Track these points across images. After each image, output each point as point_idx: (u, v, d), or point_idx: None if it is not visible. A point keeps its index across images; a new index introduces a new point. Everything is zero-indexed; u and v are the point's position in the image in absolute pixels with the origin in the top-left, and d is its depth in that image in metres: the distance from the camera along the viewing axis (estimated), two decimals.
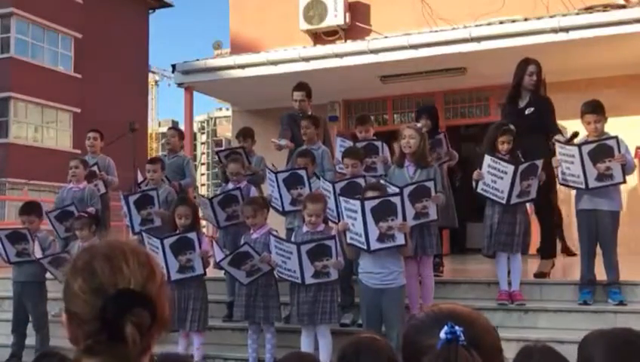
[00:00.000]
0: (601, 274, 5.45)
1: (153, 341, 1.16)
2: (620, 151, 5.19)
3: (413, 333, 1.22)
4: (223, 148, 6.86)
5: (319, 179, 5.76)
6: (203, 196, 6.66)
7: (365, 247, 4.69)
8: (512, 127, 5.56)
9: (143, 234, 5.60)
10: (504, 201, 5.34)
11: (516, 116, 5.84)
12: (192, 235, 5.31)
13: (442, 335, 1.09)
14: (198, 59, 9.63)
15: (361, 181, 5.37)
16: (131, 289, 1.13)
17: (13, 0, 23.49)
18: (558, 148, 5.41)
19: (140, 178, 6.90)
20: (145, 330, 1.11)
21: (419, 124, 6.24)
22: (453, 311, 1.20)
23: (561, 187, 6.31)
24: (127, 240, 1.27)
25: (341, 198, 4.92)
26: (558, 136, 5.58)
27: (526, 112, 5.88)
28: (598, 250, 5.43)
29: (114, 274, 1.14)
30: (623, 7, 8.12)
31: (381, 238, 4.66)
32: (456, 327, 1.09)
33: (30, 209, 6.23)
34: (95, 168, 7.16)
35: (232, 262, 5.16)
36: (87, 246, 1.26)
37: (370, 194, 4.82)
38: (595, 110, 5.34)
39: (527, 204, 5.71)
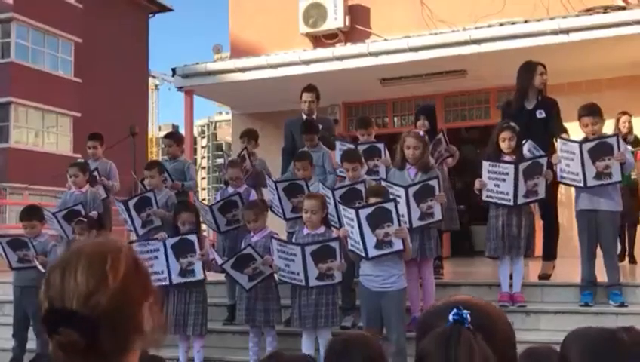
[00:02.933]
0: (601, 275, 5.44)
1: (123, 350, 1.13)
2: (619, 149, 5.20)
3: (427, 317, 1.24)
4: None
5: (320, 184, 5.74)
6: (203, 201, 6.61)
7: (364, 255, 4.70)
8: (513, 124, 5.56)
9: (136, 244, 5.57)
10: (511, 203, 5.33)
11: (526, 118, 5.83)
12: (193, 237, 5.32)
13: (450, 317, 1.10)
14: (198, 63, 9.64)
15: (361, 187, 5.37)
16: (56, 308, 1.10)
17: (14, 5, 23.52)
18: (559, 144, 5.41)
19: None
20: (76, 348, 1.08)
21: (418, 125, 6.24)
22: (468, 300, 1.20)
23: (562, 189, 6.31)
24: (98, 241, 1.21)
25: (340, 206, 4.96)
26: (564, 135, 5.58)
27: (537, 115, 5.88)
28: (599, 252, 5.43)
29: (62, 286, 1.12)
30: (623, 8, 8.13)
31: (379, 245, 4.66)
32: (464, 311, 1.09)
33: (31, 213, 6.22)
34: (95, 173, 7.12)
35: (235, 265, 5.15)
36: (62, 253, 1.24)
37: (372, 199, 4.82)
38: (591, 113, 5.35)
39: (532, 205, 5.69)
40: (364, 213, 4.63)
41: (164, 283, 5.16)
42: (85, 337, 1.08)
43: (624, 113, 7.35)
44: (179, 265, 5.28)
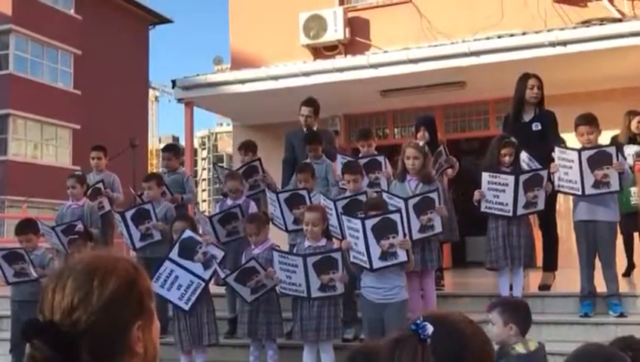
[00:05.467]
0: (601, 285, 5.45)
1: None
2: (618, 159, 5.23)
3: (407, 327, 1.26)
4: (240, 165, 6.79)
5: (321, 195, 5.75)
6: (203, 213, 6.58)
7: (368, 266, 4.70)
8: (513, 139, 5.61)
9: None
10: (510, 214, 5.35)
11: (522, 131, 5.86)
12: (188, 233, 5.28)
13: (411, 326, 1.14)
14: (198, 75, 9.68)
15: (363, 198, 5.38)
16: (35, 320, 1.10)
17: (12, 16, 23.59)
18: (557, 153, 5.43)
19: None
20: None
21: (418, 136, 6.26)
22: (443, 315, 1.22)
23: (561, 199, 6.33)
24: (97, 254, 1.21)
25: (343, 217, 4.95)
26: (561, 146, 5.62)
27: (533, 128, 5.92)
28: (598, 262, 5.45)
29: (52, 299, 1.13)
30: (620, 20, 8.21)
31: (383, 256, 4.66)
32: (425, 323, 1.12)
33: (26, 227, 6.13)
34: (100, 185, 7.10)
35: (237, 278, 5.14)
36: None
37: (371, 213, 4.84)
38: (588, 122, 5.40)
39: (530, 216, 5.72)
40: (369, 223, 4.64)
41: (200, 287, 5.16)
42: (62, 353, 1.06)
43: (636, 113, 7.08)
44: (197, 263, 5.23)
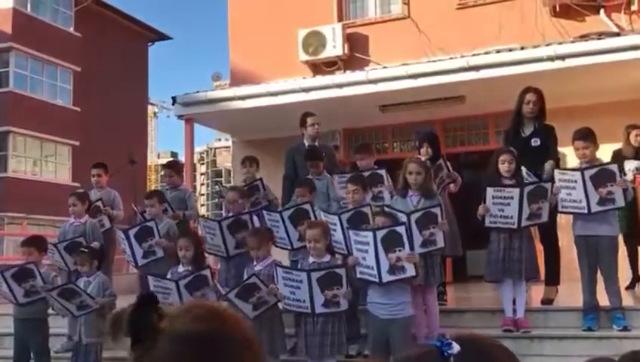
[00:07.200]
0: (604, 299, 5.44)
1: None
2: (620, 176, 5.25)
3: None
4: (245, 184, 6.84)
5: (322, 212, 5.72)
6: (211, 219, 6.45)
7: (377, 280, 4.68)
8: (511, 148, 5.63)
9: (149, 278, 5.47)
10: (515, 226, 5.35)
11: (521, 145, 5.88)
12: (206, 272, 5.31)
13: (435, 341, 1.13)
14: (198, 91, 9.71)
15: (367, 210, 5.38)
16: (153, 297, 1.10)
17: (12, 34, 23.68)
18: (558, 174, 5.44)
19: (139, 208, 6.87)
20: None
21: (421, 152, 6.27)
22: (477, 339, 1.19)
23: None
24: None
25: (351, 232, 4.92)
26: (550, 162, 5.64)
27: (532, 143, 5.94)
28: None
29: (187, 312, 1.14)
30: (617, 34, 8.26)
31: (392, 270, 4.65)
32: (451, 342, 1.10)
33: (31, 242, 6.12)
34: (99, 203, 7.10)
35: (239, 294, 5.12)
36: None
37: (379, 218, 4.85)
38: (584, 137, 5.41)
39: (532, 229, 5.72)
40: (380, 234, 4.64)
41: None
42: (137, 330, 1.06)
43: (635, 127, 7.07)
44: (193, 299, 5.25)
